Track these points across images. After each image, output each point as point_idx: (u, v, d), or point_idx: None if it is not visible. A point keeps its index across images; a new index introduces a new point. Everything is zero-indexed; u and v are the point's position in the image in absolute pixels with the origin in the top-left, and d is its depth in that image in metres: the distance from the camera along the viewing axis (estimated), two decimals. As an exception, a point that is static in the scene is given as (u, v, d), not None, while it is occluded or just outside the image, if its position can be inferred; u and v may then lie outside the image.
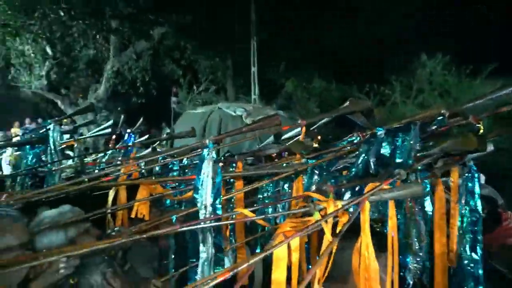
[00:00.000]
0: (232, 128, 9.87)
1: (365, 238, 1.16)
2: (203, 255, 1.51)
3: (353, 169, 1.70)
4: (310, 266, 1.67)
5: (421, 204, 1.71)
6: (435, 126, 1.77)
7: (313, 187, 1.81)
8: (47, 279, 1.31)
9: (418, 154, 1.58)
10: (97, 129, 4.44)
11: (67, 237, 1.73)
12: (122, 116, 4.34)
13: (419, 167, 1.59)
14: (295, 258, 1.09)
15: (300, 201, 1.29)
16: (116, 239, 1.64)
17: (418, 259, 1.62)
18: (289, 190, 2.12)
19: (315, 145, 2.27)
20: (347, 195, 1.56)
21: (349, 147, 1.87)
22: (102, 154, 4.78)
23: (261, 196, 2.18)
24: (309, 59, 14.31)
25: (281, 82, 15.05)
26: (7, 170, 3.45)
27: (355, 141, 1.85)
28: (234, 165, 2.37)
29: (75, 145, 3.37)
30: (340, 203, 1.13)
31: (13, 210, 1.33)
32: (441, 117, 1.71)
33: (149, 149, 3.52)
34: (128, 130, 3.77)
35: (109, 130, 3.96)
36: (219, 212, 1.52)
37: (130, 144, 3.59)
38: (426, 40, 12.67)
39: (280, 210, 1.92)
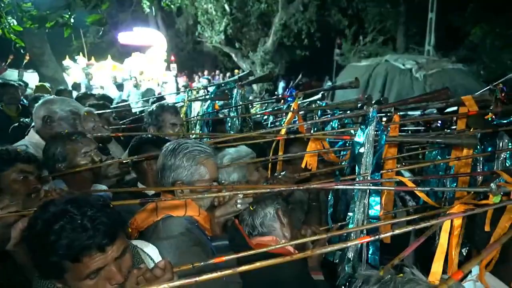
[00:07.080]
0: (398, 83, 9.10)
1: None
2: (355, 217, 1.55)
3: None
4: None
5: None
6: None
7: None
8: (227, 209, 1.56)
9: None
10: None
11: (242, 174, 2.02)
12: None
13: None
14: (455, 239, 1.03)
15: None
16: (280, 185, 1.82)
17: None
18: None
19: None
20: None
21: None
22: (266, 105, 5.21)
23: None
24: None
25: (465, 30, 12.68)
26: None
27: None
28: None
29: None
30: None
31: (208, 147, 1.58)
32: None
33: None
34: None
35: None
36: (377, 176, 1.50)
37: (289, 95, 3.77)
38: None
39: (448, 186, 1.75)
